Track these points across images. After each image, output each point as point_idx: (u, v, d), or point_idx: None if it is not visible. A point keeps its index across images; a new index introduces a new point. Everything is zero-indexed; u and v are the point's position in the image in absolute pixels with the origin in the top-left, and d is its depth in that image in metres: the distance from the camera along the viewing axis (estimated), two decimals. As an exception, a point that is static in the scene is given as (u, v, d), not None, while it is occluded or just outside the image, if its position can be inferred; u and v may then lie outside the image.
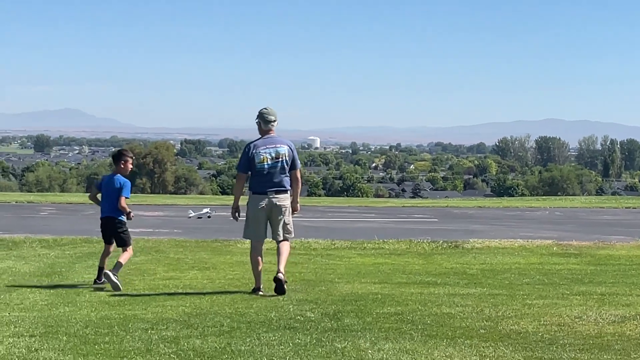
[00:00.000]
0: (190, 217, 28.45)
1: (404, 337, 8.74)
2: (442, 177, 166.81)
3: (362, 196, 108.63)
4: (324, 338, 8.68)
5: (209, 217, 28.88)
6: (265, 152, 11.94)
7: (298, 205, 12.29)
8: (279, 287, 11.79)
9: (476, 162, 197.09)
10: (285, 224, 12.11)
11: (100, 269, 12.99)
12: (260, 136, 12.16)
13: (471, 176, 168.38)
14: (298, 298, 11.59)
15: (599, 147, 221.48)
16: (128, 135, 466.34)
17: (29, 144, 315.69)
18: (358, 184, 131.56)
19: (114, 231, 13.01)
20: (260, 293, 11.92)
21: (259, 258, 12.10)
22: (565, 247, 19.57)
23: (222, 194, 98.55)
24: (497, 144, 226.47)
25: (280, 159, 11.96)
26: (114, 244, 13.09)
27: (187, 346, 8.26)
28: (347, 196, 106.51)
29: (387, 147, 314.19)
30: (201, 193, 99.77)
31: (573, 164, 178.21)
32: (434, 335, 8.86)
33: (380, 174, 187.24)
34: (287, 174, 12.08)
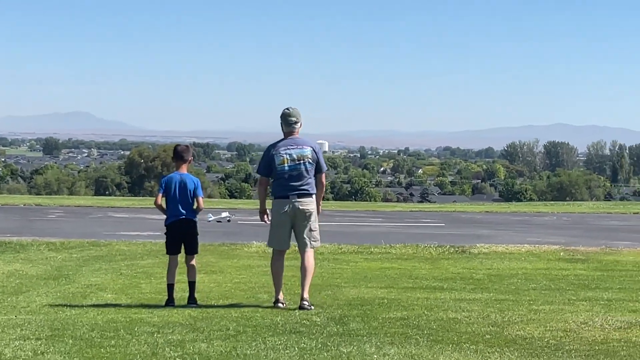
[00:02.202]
0: (210, 221, 28.19)
1: (410, 342, 8.75)
2: (451, 182, 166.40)
3: (370, 200, 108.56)
4: (330, 342, 8.68)
5: (228, 221, 28.71)
6: (285, 154, 11.19)
7: (320, 208, 11.46)
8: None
9: (484, 166, 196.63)
10: (311, 230, 11.33)
11: (171, 286, 11.83)
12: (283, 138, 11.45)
13: (479, 181, 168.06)
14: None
15: (607, 152, 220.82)
16: (137, 138, 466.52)
17: (38, 146, 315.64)
18: (366, 188, 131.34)
19: (191, 235, 11.98)
20: (281, 305, 11.21)
21: (280, 269, 11.38)
22: (572, 253, 19.55)
23: (231, 198, 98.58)
24: (506, 148, 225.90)
25: (302, 161, 11.18)
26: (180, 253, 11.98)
27: (192, 350, 8.27)
28: (355, 200, 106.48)
29: (396, 152, 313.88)
30: (209, 197, 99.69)
31: (581, 169, 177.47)
32: (440, 340, 8.87)
33: (389, 178, 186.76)
34: (311, 177, 11.28)
